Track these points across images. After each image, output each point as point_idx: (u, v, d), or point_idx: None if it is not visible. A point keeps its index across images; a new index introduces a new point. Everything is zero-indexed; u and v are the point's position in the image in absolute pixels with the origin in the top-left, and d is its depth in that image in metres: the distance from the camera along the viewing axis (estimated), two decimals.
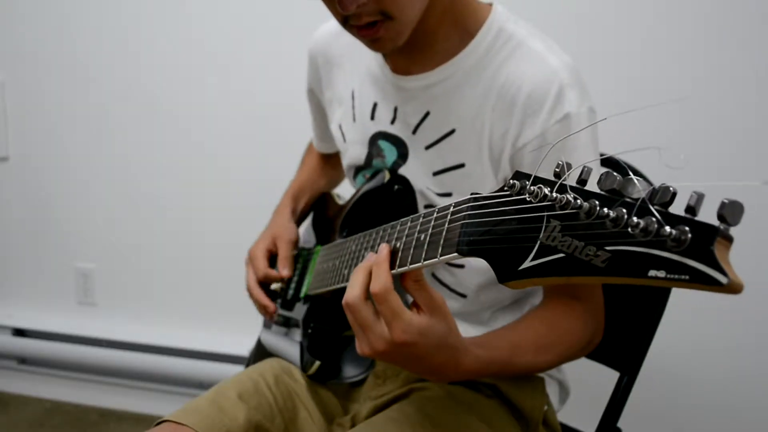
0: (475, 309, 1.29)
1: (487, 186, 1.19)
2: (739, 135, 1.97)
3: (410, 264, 0.90)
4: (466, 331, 1.24)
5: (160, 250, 2.76)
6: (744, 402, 2.07)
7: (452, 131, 1.20)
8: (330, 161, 1.67)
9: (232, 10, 2.45)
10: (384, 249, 0.94)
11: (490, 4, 1.23)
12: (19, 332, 2.89)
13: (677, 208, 0.56)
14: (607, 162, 1.46)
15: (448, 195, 1.22)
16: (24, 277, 2.96)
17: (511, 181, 0.71)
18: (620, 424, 1.39)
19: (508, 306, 1.32)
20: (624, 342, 1.41)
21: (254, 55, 2.48)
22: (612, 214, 0.57)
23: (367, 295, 0.92)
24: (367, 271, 0.94)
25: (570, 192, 0.63)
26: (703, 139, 2.00)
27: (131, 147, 2.70)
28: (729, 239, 0.53)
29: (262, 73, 2.48)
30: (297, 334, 1.39)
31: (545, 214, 0.64)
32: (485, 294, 1.27)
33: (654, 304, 1.40)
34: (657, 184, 0.57)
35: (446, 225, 0.82)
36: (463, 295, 1.28)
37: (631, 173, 0.57)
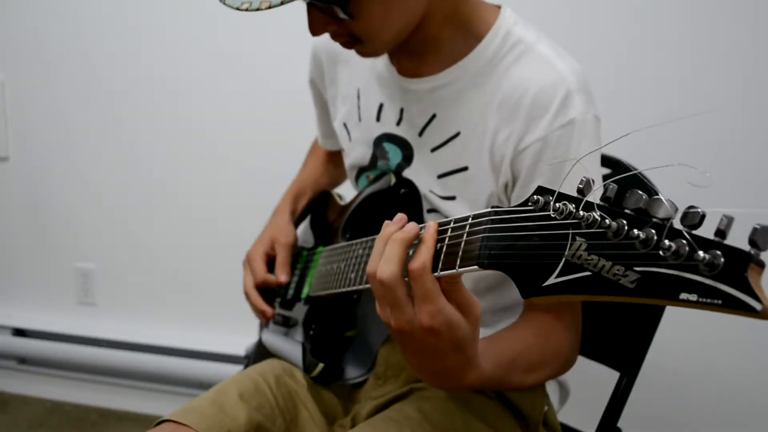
0: None
1: (487, 190, 1.19)
2: (747, 138, 1.99)
3: None
4: None
5: (160, 250, 2.75)
6: (744, 402, 2.08)
7: (457, 134, 1.21)
8: (334, 159, 1.67)
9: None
10: (432, 226, 0.88)
11: (499, 7, 1.22)
12: (19, 332, 2.89)
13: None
14: (614, 166, 1.47)
15: (452, 198, 1.22)
16: (24, 277, 2.96)
17: (534, 196, 0.71)
18: (620, 424, 1.39)
19: (509, 308, 1.32)
20: (624, 342, 1.42)
21: (257, 55, 2.49)
22: (642, 235, 0.57)
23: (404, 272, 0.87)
24: (406, 245, 0.87)
25: (597, 210, 0.63)
26: (705, 150, 2.02)
27: (131, 147, 2.69)
28: (762, 265, 0.54)
29: (266, 72, 2.48)
30: (297, 334, 1.39)
31: (570, 231, 0.64)
32: (482, 298, 1.26)
33: (654, 305, 1.40)
34: (677, 201, 0.57)
35: (464, 237, 0.81)
36: None
37: (660, 194, 0.57)
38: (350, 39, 1.12)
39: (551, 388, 1.33)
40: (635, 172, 0.62)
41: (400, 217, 0.91)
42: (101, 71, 2.66)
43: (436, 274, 0.84)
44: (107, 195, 2.76)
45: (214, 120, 2.58)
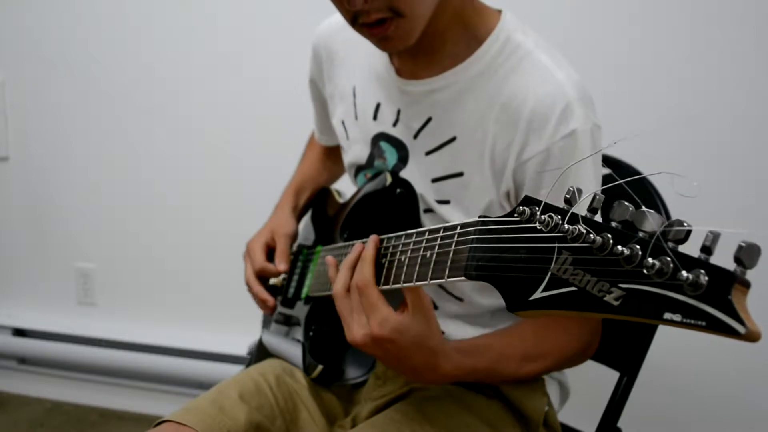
0: (474, 312, 1.29)
1: (486, 197, 1.18)
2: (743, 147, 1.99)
3: (416, 281, 0.91)
4: (467, 332, 1.25)
5: (160, 250, 2.75)
6: (744, 401, 2.07)
7: (453, 139, 1.20)
8: (331, 155, 1.66)
9: (234, 7, 2.45)
10: (371, 245, 1.03)
11: (500, 11, 1.22)
12: (19, 332, 2.88)
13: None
14: (614, 167, 1.47)
15: (446, 203, 1.22)
16: (24, 277, 2.96)
17: (520, 207, 0.70)
18: (620, 424, 1.39)
19: None
20: (624, 342, 1.41)
21: (257, 55, 2.48)
22: (626, 251, 0.56)
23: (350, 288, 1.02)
24: (352, 267, 1.04)
25: (582, 223, 0.62)
26: (703, 150, 2.01)
27: (131, 147, 2.69)
28: (747, 285, 0.53)
29: (266, 72, 2.48)
30: (298, 333, 1.39)
31: (556, 245, 0.64)
32: (482, 298, 1.27)
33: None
34: (662, 205, 0.56)
35: (453, 246, 0.81)
36: (459, 299, 1.28)
37: (643, 206, 0.56)
38: (387, 14, 1.07)
39: (551, 388, 1.32)
40: (621, 181, 0.61)
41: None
42: (101, 71, 2.66)
43: (380, 287, 0.98)
44: (107, 195, 2.76)
45: (214, 120, 2.57)
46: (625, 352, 1.42)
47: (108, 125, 2.70)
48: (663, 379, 2.06)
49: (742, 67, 1.94)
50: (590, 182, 1.12)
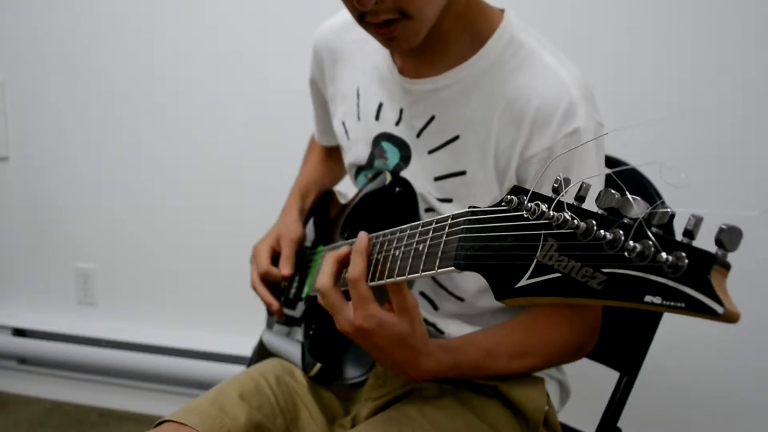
0: (474, 311, 1.29)
1: (489, 195, 1.18)
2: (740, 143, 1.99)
3: (408, 274, 0.91)
4: (465, 331, 1.25)
5: (161, 250, 2.75)
6: (744, 402, 2.07)
7: (456, 137, 1.20)
8: (333, 155, 1.66)
9: (234, 7, 2.45)
10: (363, 239, 1.04)
11: (502, 11, 1.22)
12: (19, 332, 2.88)
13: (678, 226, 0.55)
14: (614, 167, 1.46)
15: (449, 201, 1.22)
16: (24, 277, 2.96)
17: (508, 196, 0.70)
18: (620, 424, 1.39)
19: (509, 308, 1.30)
20: (624, 342, 1.41)
21: (257, 55, 2.48)
22: (609, 236, 0.56)
23: (336, 281, 1.07)
24: (337, 261, 1.07)
25: (567, 210, 0.62)
26: (703, 148, 2.01)
27: (132, 147, 2.69)
28: (726, 267, 0.53)
29: (266, 72, 2.48)
30: (298, 334, 1.39)
31: (542, 232, 0.64)
32: (483, 299, 1.27)
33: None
34: (658, 199, 0.56)
35: (444, 237, 0.82)
36: (460, 299, 1.28)
37: (628, 194, 0.56)
38: (395, 15, 1.08)
39: (551, 388, 1.32)
40: (610, 171, 0.60)
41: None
42: (101, 71, 2.66)
43: (370, 284, 1.00)
44: (107, 195, 2.76)
45: (214, 120, 2.57)
46: (625, 352, 1.41)
47: (108, 125, 2.70)
48: (663, 379, 2.06)
49: (742, 67, 1.94)
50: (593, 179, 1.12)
